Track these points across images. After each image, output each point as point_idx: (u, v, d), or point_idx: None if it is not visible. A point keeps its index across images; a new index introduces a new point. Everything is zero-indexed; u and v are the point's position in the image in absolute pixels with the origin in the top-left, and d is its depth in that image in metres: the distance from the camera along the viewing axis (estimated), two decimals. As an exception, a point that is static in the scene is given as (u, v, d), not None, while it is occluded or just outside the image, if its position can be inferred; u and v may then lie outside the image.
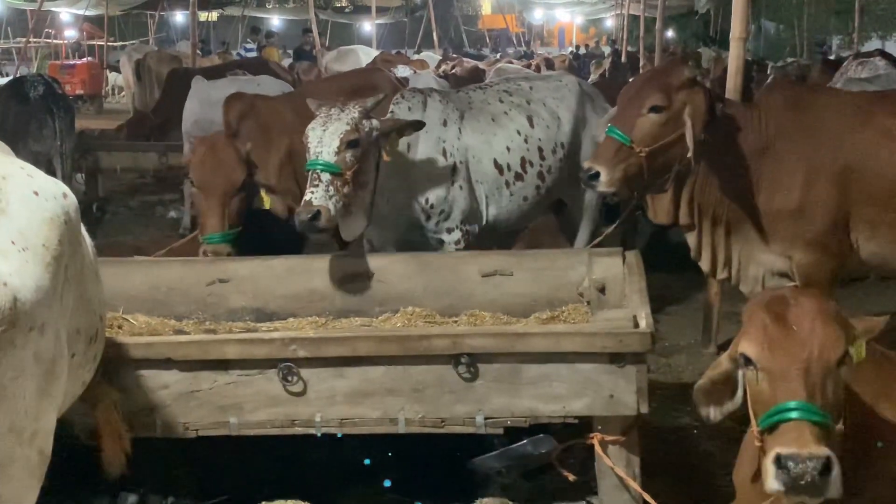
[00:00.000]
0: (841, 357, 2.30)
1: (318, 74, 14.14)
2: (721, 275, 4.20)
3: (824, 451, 2.11)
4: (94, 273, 2.85)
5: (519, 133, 4.92)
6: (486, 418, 3.15)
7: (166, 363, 3.22)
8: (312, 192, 3.95)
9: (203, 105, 7.71)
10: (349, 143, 4.02)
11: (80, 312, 2.60)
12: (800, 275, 3.99)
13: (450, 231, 4.66)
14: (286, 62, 17.98)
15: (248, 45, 24.39)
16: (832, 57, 16.43)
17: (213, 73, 9.93)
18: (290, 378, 3.17)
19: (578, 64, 21.04)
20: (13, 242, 2.12)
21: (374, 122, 4.17)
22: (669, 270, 5.98)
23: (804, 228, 3.95)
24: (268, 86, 8.16)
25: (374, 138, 4.15)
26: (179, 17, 29.34)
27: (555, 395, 3.14)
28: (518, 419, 3.17)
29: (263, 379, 3.20)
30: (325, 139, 4.04)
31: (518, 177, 4.87)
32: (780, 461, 2.12)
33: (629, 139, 3.76)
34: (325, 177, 3.96)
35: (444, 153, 4.65)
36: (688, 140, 3.74)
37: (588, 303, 3.90)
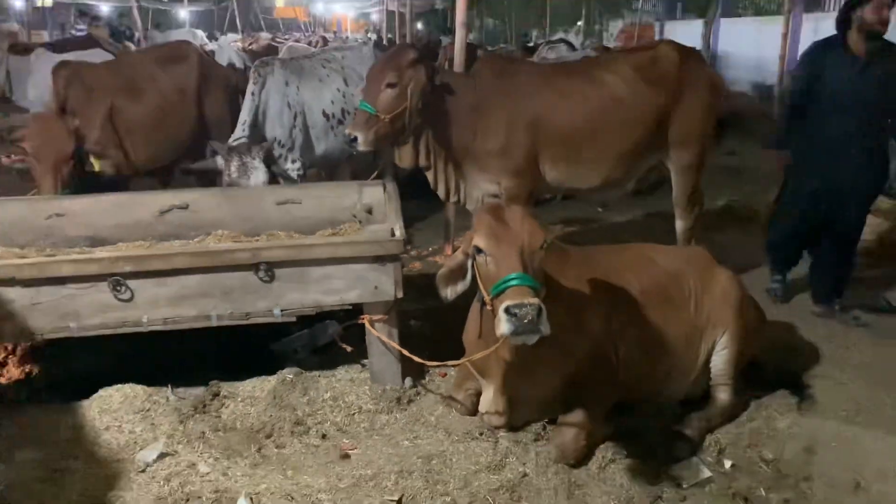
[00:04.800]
0: (541, 243, 2.42)
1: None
2: (453, 199, 4.24)
3: (537, 300, 2.22)
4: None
5: (339, 90, 5.29)
6: (282, 310, 3.07)
7: (11, 281, 2.89)
8: None
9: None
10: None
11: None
12: (506, 195, 4.03)
13: (293, 161, 4.92)
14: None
15: (80, 26, 21.67)
16: (531, 44, 17.08)
17: (51, 47, 8.74)
18: (119, 288, 2.93)
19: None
20: None
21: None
22: (422, 198, 6.03)
23: (508, 162, 3.99)
24: (98, 58, 7.30)
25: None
26: (18, 2, 25.34)
27: (334, 289, 3.10)
28: (307, 309, 3.12)
29: (96, 290, 2.94)
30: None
31: (340, 122, 5.22)
32: (508, 310, 2.21)
33: (375, 110, 3.70)
34: None
35: (289, 105, 4.94)
36: (409, 107, 3.73)
37: (360, 221, 3.85)
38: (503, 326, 2.21)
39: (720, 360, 3.14)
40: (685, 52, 4.34)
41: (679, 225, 4.46)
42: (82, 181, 4.30)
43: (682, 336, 3.10)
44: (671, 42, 4.46)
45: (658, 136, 4.19)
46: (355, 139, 3.70)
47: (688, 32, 15.86)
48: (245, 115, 4.72)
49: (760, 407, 3.19)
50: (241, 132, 4.62)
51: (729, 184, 6.89)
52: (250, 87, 4.83)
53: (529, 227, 2.42)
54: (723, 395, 3.12)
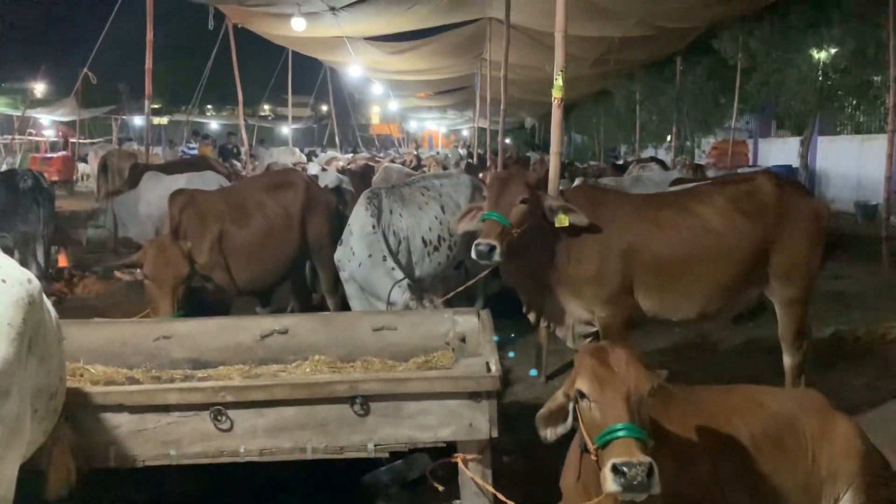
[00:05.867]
0: (649, 390, 2.32)
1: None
2: (543, 324, 4.21)
3: (648, 458, 2.10)
4: (56, 340, 2.60)
5: (436, 218, 5.50)
6: (375, 445, 3.03)
7: (119, 408, 2.98)
8: None
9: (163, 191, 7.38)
10: None
11: (42, 375, 2.36)
12: (600, 324, 4.00)
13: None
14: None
15: (191, 145, 23.64)
16: (620, 161, 17.17)
17: (164, 168, 9.70)
18: (219, 418, 2.98)
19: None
20: (-18, 324, 1.93)
21: None
22: (512, 317, 6.00)
23: (602, 290, 3.97)
24: (210, 180, 7.94)
25: None
26: (137, 120, 28.18)
27: (428, 425, 3.04)
28: (400, 445, 3.06)
29: (198, 419, 2.99)
30: None
31: (436, 248, 5.44)
32: (616, 469, 2.09)
33: (509, 222, 3.78)
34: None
35: (394, 233, 5.21)
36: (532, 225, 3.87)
37: (453, 349, 3.85)
38: (610, 485, 2.09)
39: (844, 519, 2.86)
40: (784, 184, 4.26)
41: (787, 361, 4.22)
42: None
43: (798, 489, 2.85)
44: (769, 173, 4.41)
45: (758, 270, 4.07)
46: (493, 249, 3.71)
47: (783, 150, 15.67)
48: (376, 250, 4.94)
49: (893, 576, 2.86)
50: (396, 273, 4.84)
51: (835, 311, 6.53)
52: (369, 220, 5.06)
53: (636, 373, 2.32)
54: (850, 561, 2.81)
